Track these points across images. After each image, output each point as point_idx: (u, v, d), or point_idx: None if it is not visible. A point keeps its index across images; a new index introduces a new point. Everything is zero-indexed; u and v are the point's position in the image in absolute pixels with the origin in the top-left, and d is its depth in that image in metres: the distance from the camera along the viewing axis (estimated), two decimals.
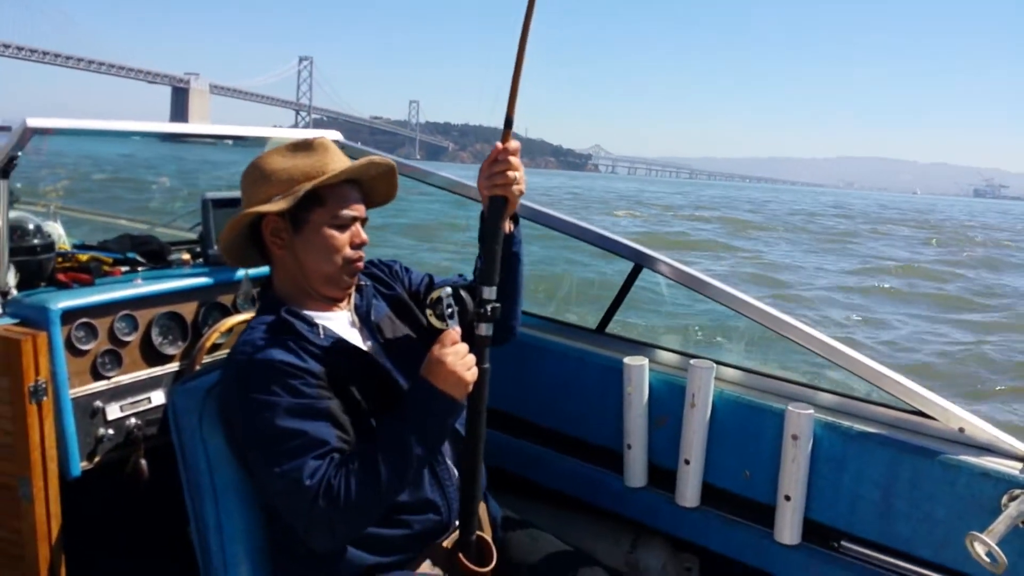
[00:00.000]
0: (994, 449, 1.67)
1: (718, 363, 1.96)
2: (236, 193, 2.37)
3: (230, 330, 2.25)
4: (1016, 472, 1.59)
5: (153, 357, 2.15)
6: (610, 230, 2.13)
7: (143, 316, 2.12)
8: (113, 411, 2.04)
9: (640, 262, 2.12)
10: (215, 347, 2.23)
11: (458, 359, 1.59)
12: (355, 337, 1.74)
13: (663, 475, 2.02)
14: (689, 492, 1.96)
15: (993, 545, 1.46)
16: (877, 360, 1.77)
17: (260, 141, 2.46)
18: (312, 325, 1.67)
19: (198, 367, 2.06)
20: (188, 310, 2.22)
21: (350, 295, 1.80)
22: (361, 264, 1.74)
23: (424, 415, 1.57)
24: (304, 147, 1.70)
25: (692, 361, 1.92)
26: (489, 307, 1.66)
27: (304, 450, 1.52)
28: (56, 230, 2.32)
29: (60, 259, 2.17)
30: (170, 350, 2.17)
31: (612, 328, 2.24)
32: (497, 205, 1.66)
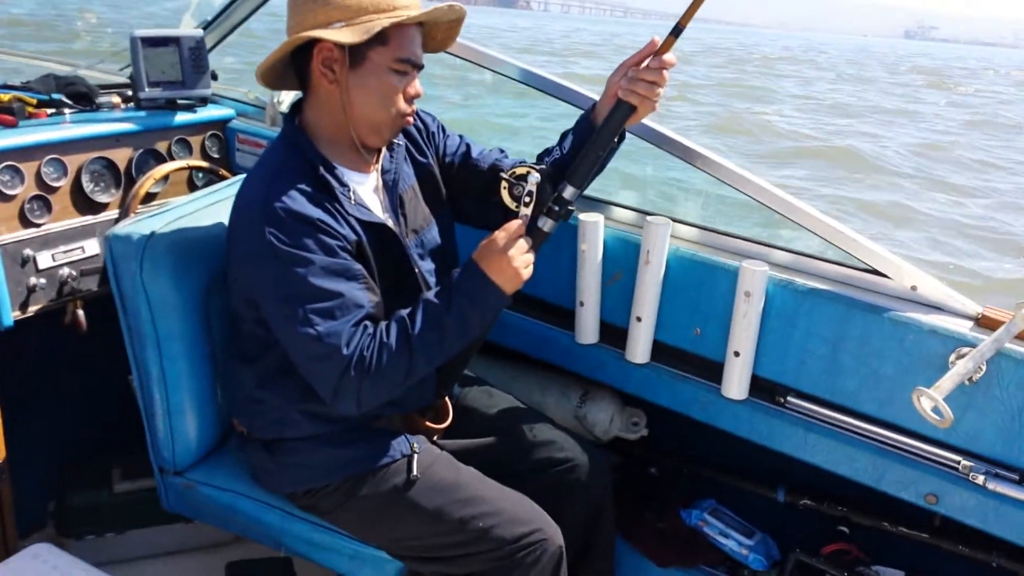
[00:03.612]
0: (945, 308, 1.67)
1: (674, 220, 1.93)
2: (170, 31, 2.24)
3: (166, 178, 2.15)
4: (966, 331, 1.60)
5: (85, 205, 2.05)
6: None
7: (72, 161, 2.01)
8: (44, 259, 1.95)
9: None
10: (151, 196, 2.13)
11: (520, 253, 1.50)
12: (377, 207, 1.61)
13: (615, 332, 2.01)
14: (640, 349, 1.96)
15: (940, 400, 1.47)
16: (832, 217, 1.75)
17: None
18: (344, 186, 1.53)
19: (133, 216, 1.97)
20: (121, 156, 2.11)
21: (381, 152, 1.66)
22: (411, 119, 1.58)
23: (470, 304, 1.48)
24: None
25: (648, 218, 1.87)
26: (565, 208, 1.54)
27: (340, 312, 1.43)
28: None
29: None
30: (103, 198, 2.07)
31: None
32: (623, 111, 1.54)
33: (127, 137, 2.13)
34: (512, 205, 1.55)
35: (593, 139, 1.56)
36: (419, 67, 1.55)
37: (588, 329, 2.03)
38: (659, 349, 1.97)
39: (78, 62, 2.53)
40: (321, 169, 1.51)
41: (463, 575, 1.60)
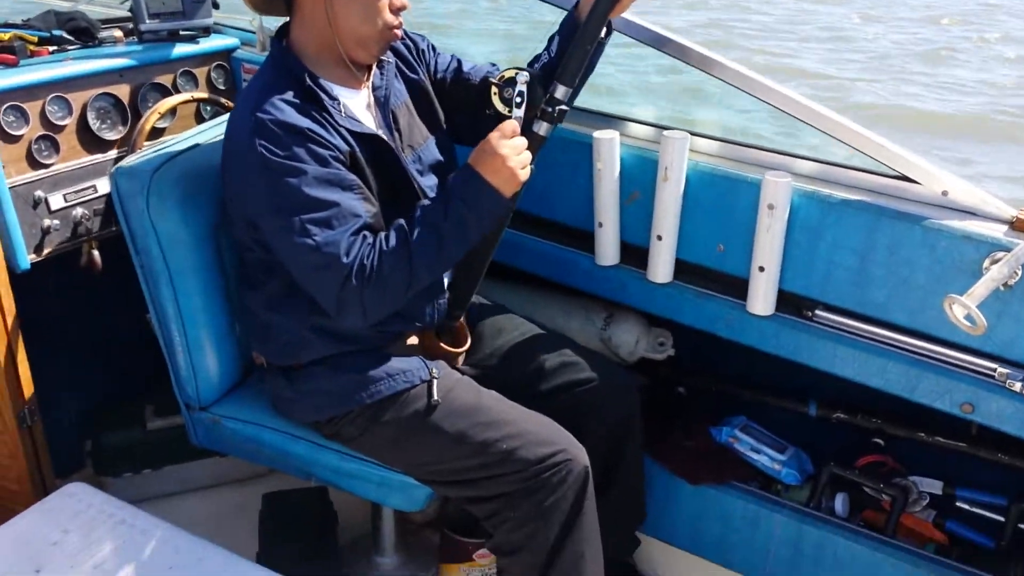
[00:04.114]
0: (978, 212, 1.60)
1: (693, 134, 1.86)
2: None
3: (173, 112, 2.12)
4: (1000, 235, 1.53)
5: (93, 143, 2.02)
6: None
7: (76, 99, 1.97)
8: (56, 200, 1.94)
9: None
10: (158, 132, 2.10)
11: (514, 153, 1.47)
12: (370, 122, 1.60)
13: (636, 252, 1.97)
14: (662, 268, 1.91)
15: (973, 308, 1.42)
16: (859, 123, 1.67)
17: None
18: (333, 99, 1.52)
19: (140, 151, 1.94)
20: (125, 92, 2.08)
21: (371, 70, 1.64)
22: (399, 32, 1.57)
23: (466, 207, 1.47)
24: None
25: (665, 132, 1.81)
26: (558, 108, 1.52)
27: (338, 221, 1.43)
28: None
29: None
30: (110, 135, 2.04)
31: (581, 101, 2.11)
32: (606, 1, 1.50)
33: (130, 72, 2.08)
34: (504, 109, 1.54)
35: (579, 35, 1.53)
36: None
37: (608, 250, 1.98)
38: (682, 268, 1.92)
39: None
40: (308, 81, 1.50)
41: (489, 497, 1.59)
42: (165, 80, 2.16)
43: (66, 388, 2.28)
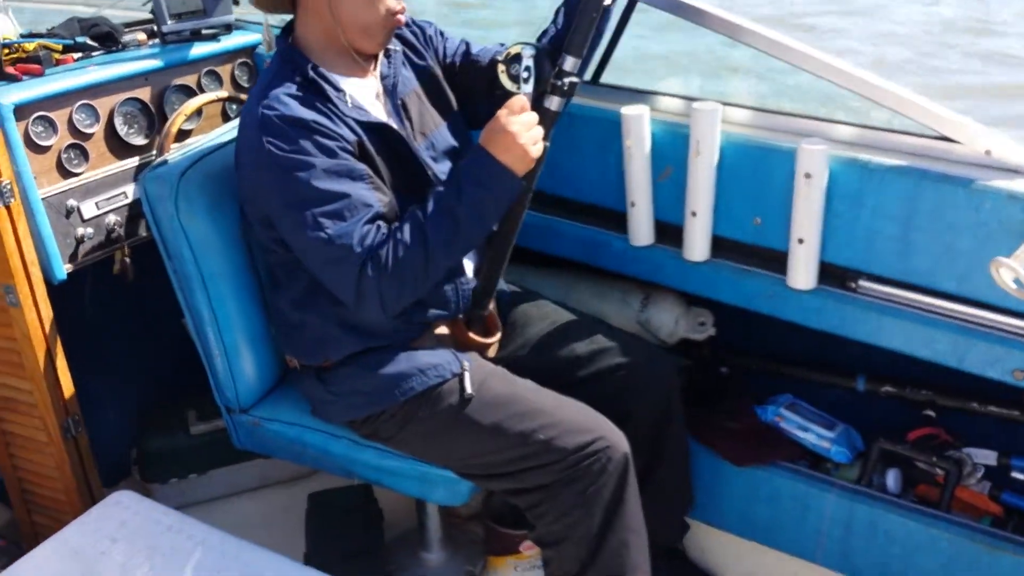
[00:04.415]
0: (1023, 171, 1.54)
1: (724, 104, 1.81)
2: None
3: (199, 113, 2.11)
4: None
5: (121, 149, 2.02)
6: None
7: (103, 105, 1.97)
8: (89, 209, 1.94)
9: None
10: (185, 133, 2.10)
11: (525, 129, 1.45)
12: (379, 111, 1.59)
13: (670, 231, 1.92)
14: (698, 246, 1.87)
15: (1020, 270, 1.36)
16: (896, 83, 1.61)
17: None
18: (339, 90, 1.52)
19: (167, 154, 1.94)
20: (151, 95, 2.07)
21: (378, 59, 1.63)
22: (403, 19, 1.56)
23: (480, 188, 1.46)
24: None
25: (694, 104, 1.76)
26: (567, 80, 1.49)
27: (350, 212, 1.42)
28: (1, 21, 2.14)
29: (6, 50, 2.00)
30: (138, 140, 2.04)
31: (608, 77, 2.06)
32: None
33: (155, 75, 2.08)
34: (512, 87, 1.52)
35: (584, 2, 1.49)
36: None
37: (642, 230, 1.94)
38: (719, 244, 1.87)
39: (101, 1, 2.48)
40: (311, 74, 1.50)
41: (530, 488, 1.57)
42: (189, 81, 2.16)
43: (108, 396, 2.30)
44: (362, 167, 1.47)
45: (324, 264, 1.47)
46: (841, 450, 1.93)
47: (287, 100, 1.45)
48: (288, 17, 1.62)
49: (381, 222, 1.46)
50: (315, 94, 1.48)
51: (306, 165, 1.41)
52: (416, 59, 1.71)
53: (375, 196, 1.47)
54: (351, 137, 1.48)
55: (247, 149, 1.49)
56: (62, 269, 1.89)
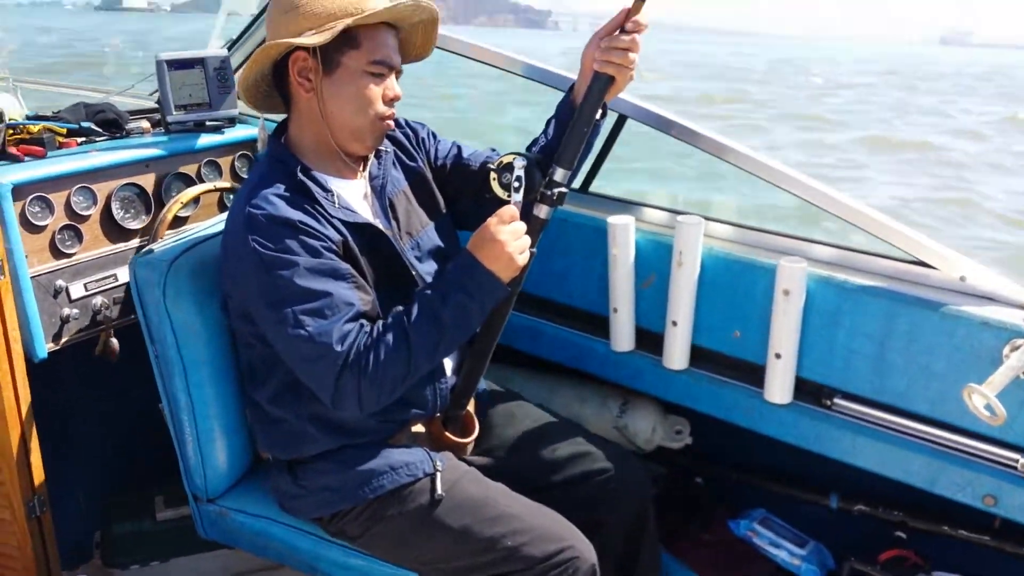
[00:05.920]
0: (997, 298, 1.58)
1: (707, 219, 1.86)
2: (195, 53, 2.24)
3: (196, 201, 2.15)
4: (1019, 321, 1.50)
5: (116, 232, 2.05)
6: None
7: (101, 189, 2.01)
8: (77, 290, 1.95)
9: (624, 112, 1.98)
10: (181, 220, 2.13)
11: (513, 239, 1.47)
12: (366, 211, 1.62)
13: (650, 338, 1.95)
14: (677, 354, 1.89)
15: (992, 397, 1.38)
16: (874, 208, 1.66)
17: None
18: (327, 191, 1.55)
19: (160, 240, 1.96)
20: (150, 182, 2.11)
21: (368, 160, 1.67)
22: (392, 123, 1.60)
23: (465, 295, 1.47)
24: None
25: (679, 217, 1.81)
26: (557, 191, 1.53)
27: (331, 311, 1.43)
28: (8, 101, 2.19)
29: (11, 131, 2.04)
30: (133, 224, 2.07)
31: (596, 187, 2.12)
32: (601, 83, 1.51)
33: (156, 162, 2.12)
34: (503, 195, 1.54)
35: (576, 117, 1.54)
36: (394, 69, 1.57)
37: (623, 336, 1.97)
38: (698, 354, 1.90)
39: (110, 88, 2.55)
40: (300, 175, 1.52)
41: None
42: (189, 170, 2.20)
43: (77, 477, 2.26)
44: (346, 267, 1.49)
45: (304, 361, 1.46)
46: (812, 568, 1.92)
47: (275, 200, 1.47)
48: (282, 116, 1.67)
49: (364, 320, 1.47)
50: (302, 195, 1.51)
51: (290, 264, 1.43)
52: (407, 160, 1.74)
53: (357, 295, 1.48)
54: (336, 237, 1.50)
55: (233, 247, 1.50)
56: (44, 348, 1.89)
